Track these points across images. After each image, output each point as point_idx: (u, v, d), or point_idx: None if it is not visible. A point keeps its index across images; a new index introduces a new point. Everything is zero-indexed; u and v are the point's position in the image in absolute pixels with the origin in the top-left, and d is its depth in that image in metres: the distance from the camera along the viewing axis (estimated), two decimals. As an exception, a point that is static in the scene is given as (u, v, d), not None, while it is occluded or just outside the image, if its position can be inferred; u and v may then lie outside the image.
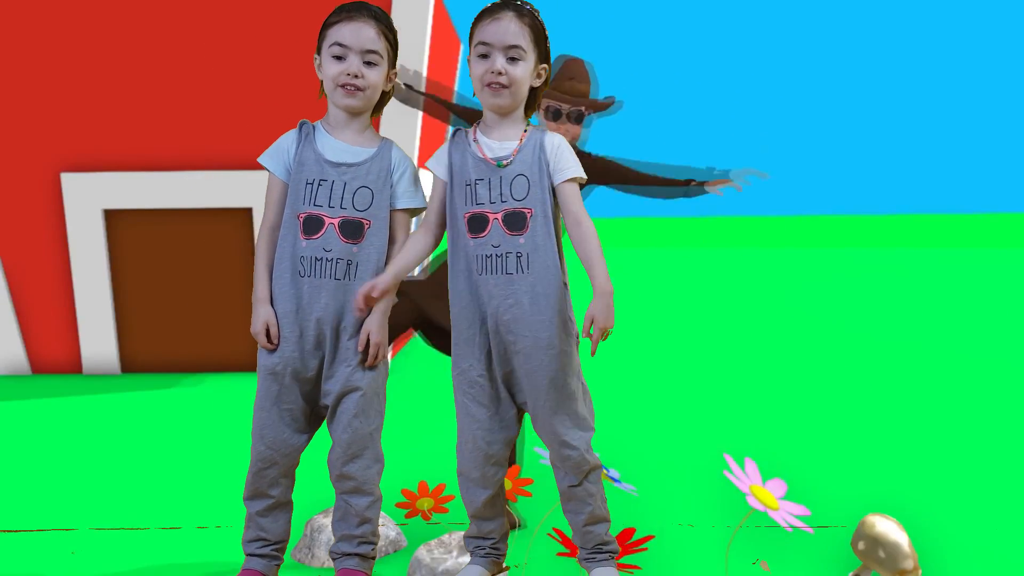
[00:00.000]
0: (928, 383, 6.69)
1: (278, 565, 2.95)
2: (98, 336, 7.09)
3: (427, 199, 2.89)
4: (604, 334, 2.53)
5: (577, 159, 2.75)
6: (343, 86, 2.78)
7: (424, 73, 6.81)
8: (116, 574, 3.21)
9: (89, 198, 6.88)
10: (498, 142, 2.73)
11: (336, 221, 2.79)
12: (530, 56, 2.68)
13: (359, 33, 2.76)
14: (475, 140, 2.75)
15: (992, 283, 15.51)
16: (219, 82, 6.70)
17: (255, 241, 2.90)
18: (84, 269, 6.98)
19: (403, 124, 6.73)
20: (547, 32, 2.74)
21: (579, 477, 2.74)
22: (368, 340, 2.82)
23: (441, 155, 2.80)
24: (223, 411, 5.87)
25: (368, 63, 2.78)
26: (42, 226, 6.96)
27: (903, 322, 10.33)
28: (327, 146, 2.84)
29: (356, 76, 2.77)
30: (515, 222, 2.67)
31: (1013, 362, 7.53)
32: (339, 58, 2.78)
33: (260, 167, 2.89)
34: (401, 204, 2.88)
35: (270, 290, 2.83)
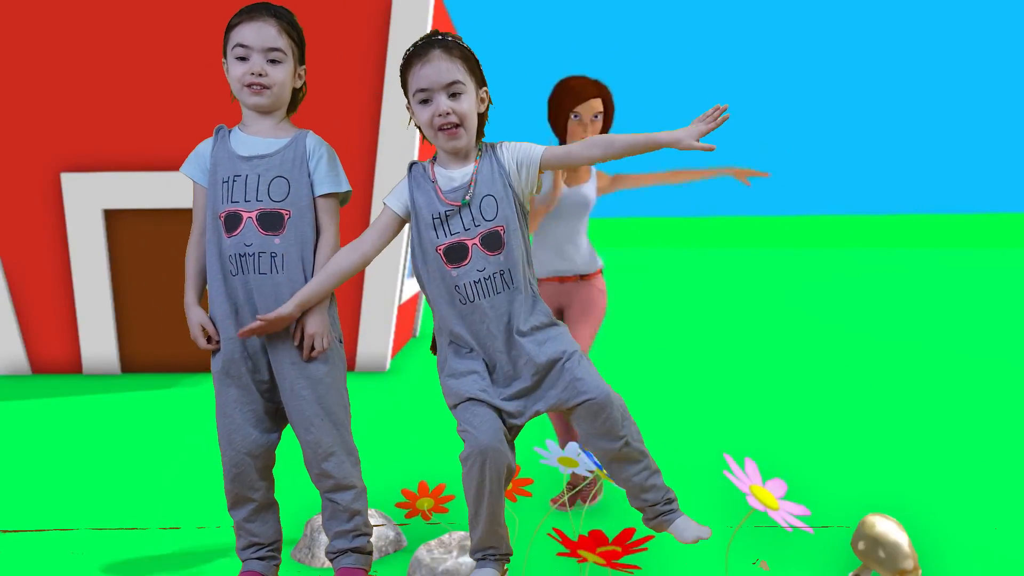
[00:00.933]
0: (928, 383, 6.69)
1: (277, 565, 2.94)
2: (98, 336, 7.09)
3: (348, 183, 2.85)
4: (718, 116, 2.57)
5: (528, 142, 2.74)
6: (248, 86, 2.78)
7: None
8: (116, 574, 3.21)
9: (89, 198, 6.89)
10: (458, 169, 2.72)
11: (254, 214, 2.75)
12: (470, 87, 2.66)
13: (260, 32, 2.75)
14: (434, 180, 2.72)
15: (992, 283, 15.51)
16: (219, 82, 6.69)
17: (186, 253, 2.91)
18: (84, 269, 6.98)
19: (403, 125, 6.73)
20: (476, 55, 2.71)
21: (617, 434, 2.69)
22: (303, 333, 2.77)
23: (401, 192, 2.77)
24: (223, 411, 5.86)
25: (272, 61, 2.77)
26: (42, 226, 6.96)
27: (903, 322, 10.34)
28: (240, 143, 2.83)
29: (260, 75, 2.76)
30: (492, 242, 2.67)
31: (1013, 362, 7.53)
32: (243, 59, 2.77)
33: None
34: (322, 190, 2.80)
35: (201, 294, 2.86)
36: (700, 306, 12.41)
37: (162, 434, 5.31)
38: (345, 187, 2.85)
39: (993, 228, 51.86)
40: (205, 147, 2.88)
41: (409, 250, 7.63)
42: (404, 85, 2.69)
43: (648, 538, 2.94)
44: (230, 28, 2.80)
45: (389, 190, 7.36)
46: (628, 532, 2.92)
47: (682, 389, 6.59)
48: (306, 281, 2.77)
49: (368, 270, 6.93)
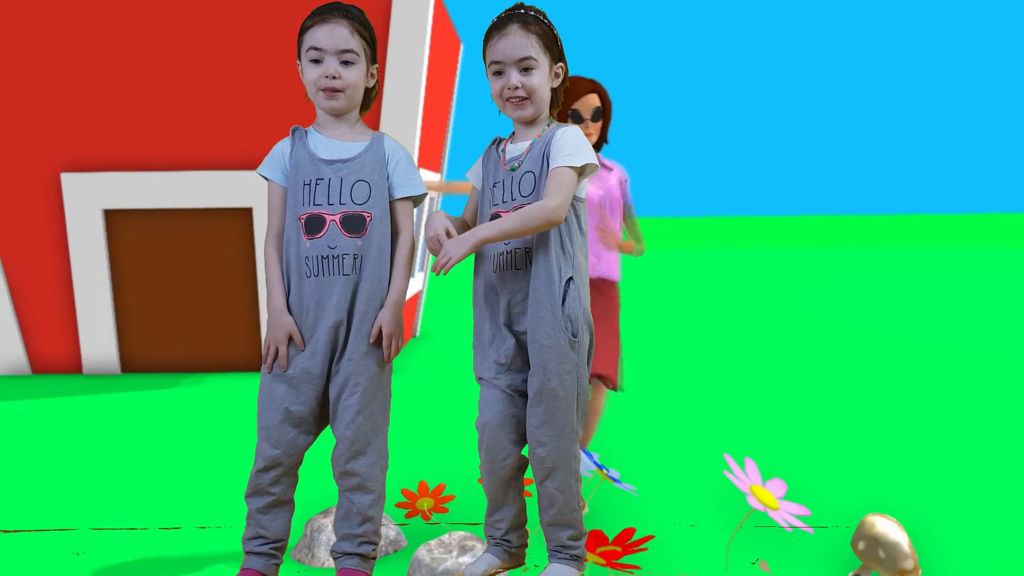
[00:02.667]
0: (928, 383, 6.69)
1: (277, 565, 2.94)
2: (98, 336, 7.09)
3: (424, 187, 2.94)
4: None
5: (579, 149, 2.71)
6: (323, 89, 2.80)
7: (424, 72, 6.82)
8: (116, 574, 3.21)
9: (89, 198, 6.89)
10: (523, 142, 2.79)
11: (337, 217, 2.80)
12: (543, 62, 2.72)
13: (333, 34, 2.78)
14: (502, 150, 2.81)
15: (992, 283, 15.51)
16: (219, 82, 6.70)
17: (263, 249, 2.92)
18: (84, 269, 6.98)
19: (403, 124, 6.73)
20: (556, 31, 2.77)
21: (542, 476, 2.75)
22: (380, 333, 2.82)
23: (477, 166, 2.89)
24: (223, 411, 5.87)
25: (345, 63, 2.79)
26: (42, 226, 6.96)
27: (903, 322, 10.34)
28: (320, 145, 2.86)
29: (334, 77, 2.79)
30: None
31: (1013, 362, 7.53)
32: (317, 61, 2.79)
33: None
34: (399, 193, 2.88)
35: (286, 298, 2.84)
36: (700, 306, 12.41)
37: (162, 434, 5.31)
38: (421, 190, 2.91)
39: (993, 228, 51.85)
40: (283, 147, 2.89)
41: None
42: (484, 55, 2.76)
43: (648, 538, 2.94)
44: (303, 30, 2.83)
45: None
46: (628, 532, 2.92)
47: (682, 389, 6.59)
48: (384, 279, 2.84)
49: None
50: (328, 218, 2.80)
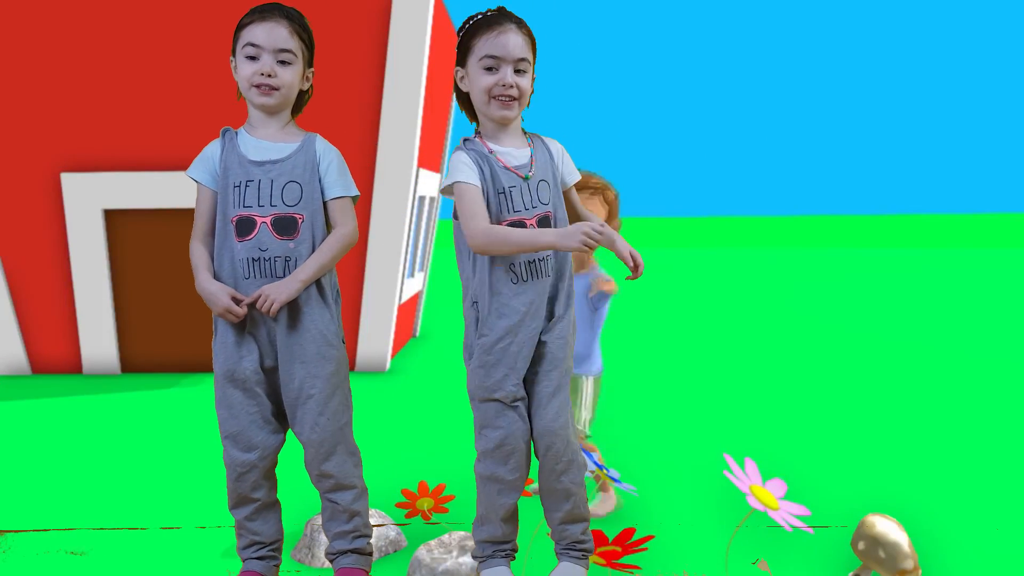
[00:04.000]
0: (928, 383, 6.69)
1: (277, 565, 2.94)
2: (98, 336, 7.09)
3: (356, 187, 2.88)
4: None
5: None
6: (257, 86, 2.78)
7: (424, 72, 6.82)
8: (116, 574, 3.21)
9: (89, 198, 6.89)
10: (515, 149, 2.76)
11: (268, 219, 2.76)
12: (530, 68, 2.72)
13: (271, 33, 2.76)
14: (491, 152, 2.74)
15: (992, 283, 15.51)
16: (219, 82, 6.70)
17: (190, 245, 2.85)
18: (84, 269, 6.98)
19: (403, 124, 6.73)
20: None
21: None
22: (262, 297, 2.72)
23: (471, 167, 2.75)
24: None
25: (282, 62, 2.78)
26: (42, 226, 6.96)
27: (903, 322, 10.34)
28: (250, 147, 2.83)
29: (270, 75, 2.77)
30: (542, 225, 2.72)
31: (1013, 362, 7.53)
32: (252, 58, 2.78)
33: None
34: (332, 194, 2.82)
35: (213, 274, 2.78)
36: (700, 306, 12.41)
37: (162, 434, 5.31)
38: (354, 191, 2.87)
39: (993, 228, 51.85)
40: (213, 150, 2.86)
41: (409, 249, 7.63)
42: (466, 49, 2.71)
43: (648, 538, 2.94)
44: (241, 27, 2.81)
45: (389, 190, 7.34)
46: (628, 532, 2.92)
47: (682, 389, 6.59)
48: (325, 283, 2.82)
49: (368, 270, 6.93)
50: (259, 220, 2.75)
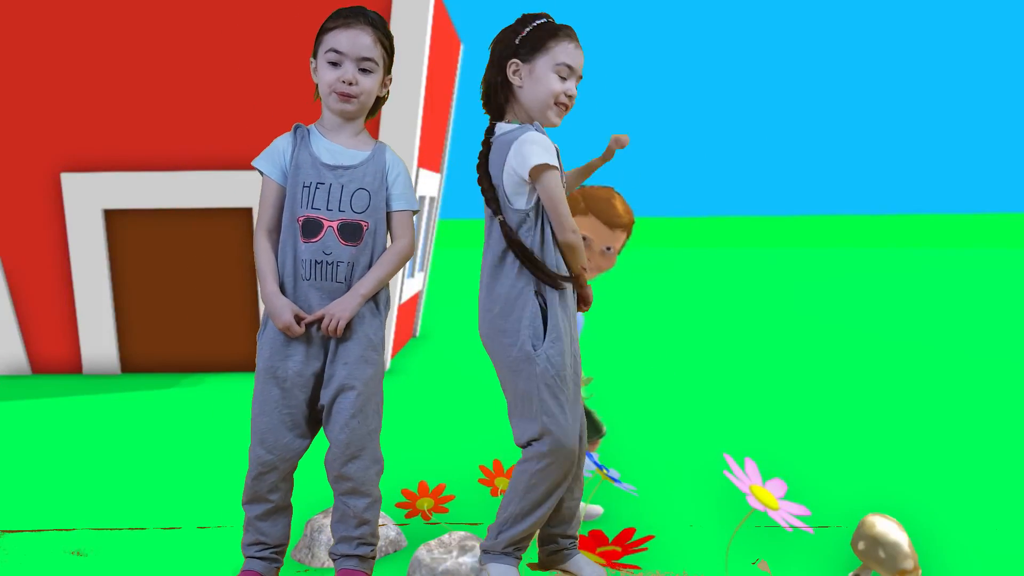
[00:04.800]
0: (928, 383, 6.69)
1: (277, 568, 2.94)
2: (98, 336, 7.09)
3: (417, 202, 2.93)
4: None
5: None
6: (338, 92, 2.79)
7: (424, 72, 6.82)
8: (116, 574, 3.21)
9: (89, 198, 6.89)
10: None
11: (335, 224, 2.78)
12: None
13: (355, 40, 2.76)
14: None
15: (992, 283, 15.51)
16: (219, 82, 6.70)
17: (254, 239, 2.87)
18: (84, 269, 6.98)
19: (403, 124, 6.73)
20: None
21: None
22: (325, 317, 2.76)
23: (549, 149, 2.80)
24: (223, 411, 5.87)
25: (363, 70, 2.79)
26: (42, 226, 6.96)
27: (903, 322, 10.34)
28: (323, 149, 2.83)
29: (351, 83, 2.77)
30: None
31: (1013, 362, 7.53)
32: (335, 64, 2.78)
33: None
34: (397, 206, 2.88)
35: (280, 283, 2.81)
36: (700, 306, 12.41)
37: (162, 434, 5.31)
38: (416, 206, 2.92)
39: (993, 228, 51.85)
40: (284, 145, 2.85)
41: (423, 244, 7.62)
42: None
43: (648, 538, 2.94)
44: (325, 31, 2.80)
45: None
46: (628, 532, 2.92)
47: (682, 389, 6.59)
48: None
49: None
50: (326, 223, 2.78)
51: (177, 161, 6.78)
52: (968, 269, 19.16)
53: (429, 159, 8.05)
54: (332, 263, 2.78)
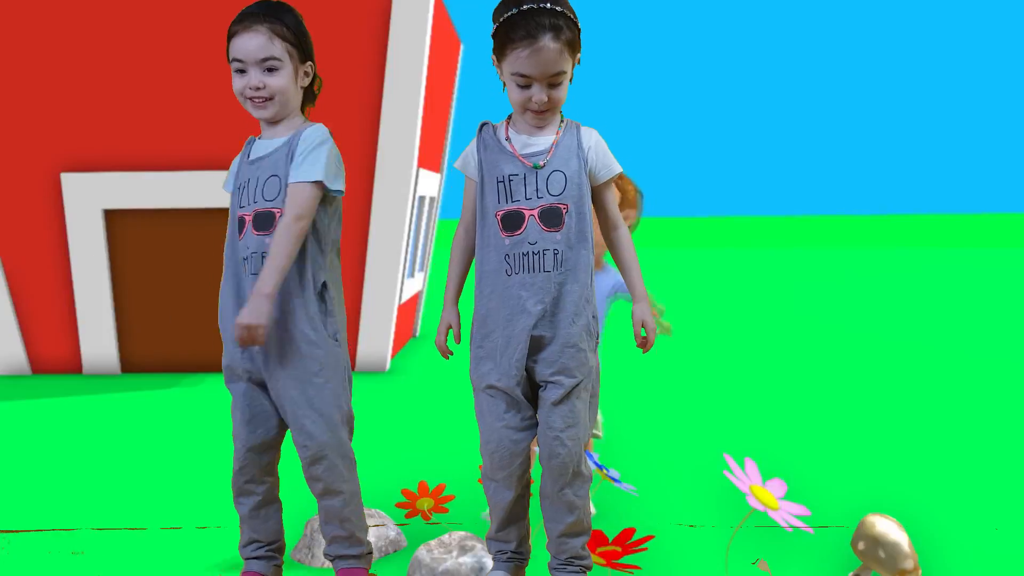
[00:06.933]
0: (928, 383, 6.69)
1: (278, 566, 2.93)
2: (98, 336, 7.09)
3: (326, 173, 2.66)
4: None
5: (613, 157, 2.70)
6: (250, 99, 2.72)
7: (424, 72, 6.81)
8: (116, 574, 3.21)
9: (89, 198, 6.88)
10: (538, 136, 2.64)
11: (250, 216, 2.72)
12: (569, 71, 2.59)
13: (250, 44, 2.67)
14: (507, 140, 2.65)
15: (992, 283, 15.51)
16: (219, 82, 6.69)
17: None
18: (84, 269, 6.98)
19: (403, 124, 6.73)
20: (579, 26, 2.61)
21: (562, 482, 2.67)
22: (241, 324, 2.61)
23: (469, 156, 2.71)
24: (223, 411, 5.84)
25: (268, 70, 2.69)
26: (42, 226, 6.96)
27: (903, 322, 10.33)
28: (254, 148, 2.80)
29: (258, 88, 2.69)
30: (551, 218, 2.60)
31: (1013, 362, 7.53)
32: (241, 71, 2.72)
33: None
34: (290, 179, 2.64)
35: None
36: (700, 306, 12.41)
37: (162, 434, 5.31)
38: (315, 176, 2.63)
39: (993, 228, 51.85)
40: (236, 158, 2.85)
41: (409, 249, 7.62)
42: (499, 51, 2.57)
43: (648, 538, 2.94)
44: (229, 38, 2.73)
45: (389, 190, 7.34)
46: (628, 532, 2.92)
47: (682, 389, 6.59)
48: (296, 279, 2.68)
49: (368, 270, 6.93)
50: (247, 219, 2.72)
51: (177, 161, 6.77)
52: (968, 269, 19.16)
53: (429, 159, 8.05)
54: (248, 256, 2.70)
